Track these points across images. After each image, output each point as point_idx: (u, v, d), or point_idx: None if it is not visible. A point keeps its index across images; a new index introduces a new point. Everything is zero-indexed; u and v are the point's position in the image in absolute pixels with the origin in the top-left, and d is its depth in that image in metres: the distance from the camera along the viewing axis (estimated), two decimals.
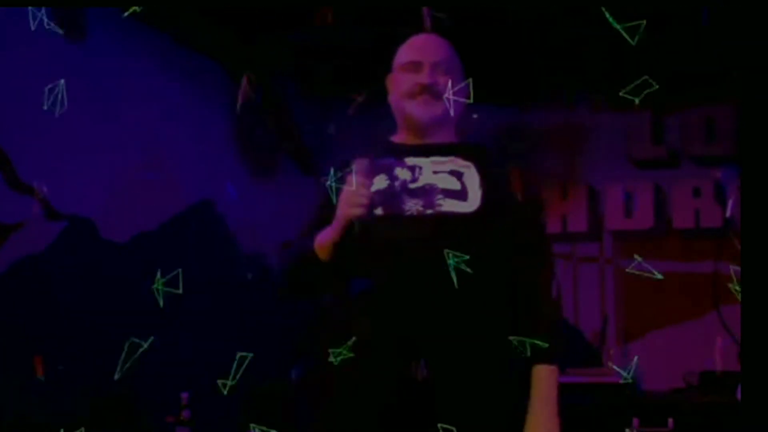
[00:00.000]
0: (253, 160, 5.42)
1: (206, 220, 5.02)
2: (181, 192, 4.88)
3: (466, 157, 2.35)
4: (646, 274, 2.75)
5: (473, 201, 2.28)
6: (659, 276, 2.77)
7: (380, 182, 2.33)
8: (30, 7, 3.36)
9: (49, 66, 4.09)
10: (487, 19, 4.60)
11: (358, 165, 2.24)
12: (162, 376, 4.32)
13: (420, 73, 2.40)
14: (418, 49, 2.46)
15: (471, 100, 2.45)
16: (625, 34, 2.13)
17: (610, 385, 4.75)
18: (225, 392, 2.35)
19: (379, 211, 2.29)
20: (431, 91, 2.37)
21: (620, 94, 2.43)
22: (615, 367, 4.73)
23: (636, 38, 2.20)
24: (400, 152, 2.39)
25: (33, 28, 2.86)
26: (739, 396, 4.14)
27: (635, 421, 4.48)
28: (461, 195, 2.28)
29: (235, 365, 2.40)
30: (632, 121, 5.56)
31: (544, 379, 2.25)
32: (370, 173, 2.27)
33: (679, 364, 4.95)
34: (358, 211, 2.23)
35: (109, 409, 4.20)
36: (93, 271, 4.27)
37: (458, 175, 2.31)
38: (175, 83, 4.82)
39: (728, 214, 5.15)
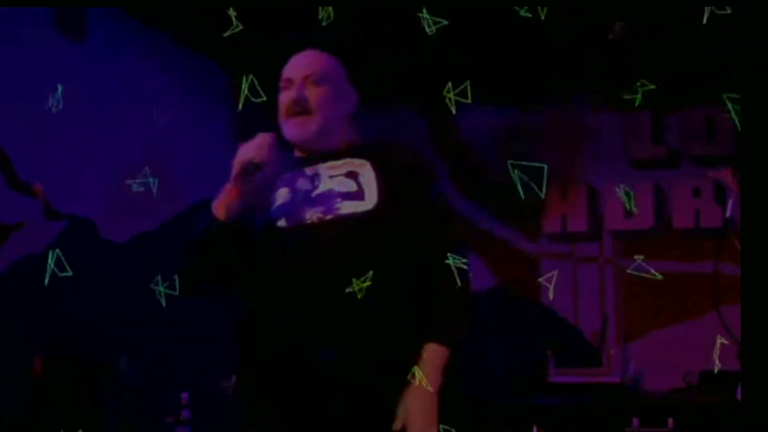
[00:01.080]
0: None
1: (206, 220, 5.01)
2: (181, 192, 4.88)
3: (361, 156, 2.38)
4: (647, 275, 2.74)
5: (370, 199, 2.30)
6: (659, 276, 2.76)
7: (283, 196, 2.38)
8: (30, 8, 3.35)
9: (49, 66, 4.10)
10: (487, 20, 4.60)
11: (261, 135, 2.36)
12: (162, 376, 4.32)
13: (291, 89, 2.44)
14: (292, 66, 2.49)
15: (352, 110, 2.48)
16: None
17: (610, 385, 4.76)
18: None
19: (282, 223, 2.33)
20: (302, 107, 2.41)
21: (624, 97, 2.42)
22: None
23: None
24: (300, 164, 2.44)
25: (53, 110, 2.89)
26: (739, 396, 4.15)
27: (635, 421, 4.49)
28: (358, 195, 2.31)
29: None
30: (632, 121, 5.57)
31: (430, 356, 2.22)
32: (270, 139, 2.34)
33: (679, 364, 4.96)
34: (250, 153, 2.31)
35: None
36: (93, 271, 4.27)
37: (354, 176, 2.34)
38: (175, 83, 4.83)
39: (728, 214, 5.15)
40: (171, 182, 4.77)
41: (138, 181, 2.66)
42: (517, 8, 2.60)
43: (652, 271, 2.77)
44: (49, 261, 2.44)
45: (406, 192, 2.32)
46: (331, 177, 2.36)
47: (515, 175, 2.26)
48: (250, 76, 2.53)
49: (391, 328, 2.24)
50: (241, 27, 2.62)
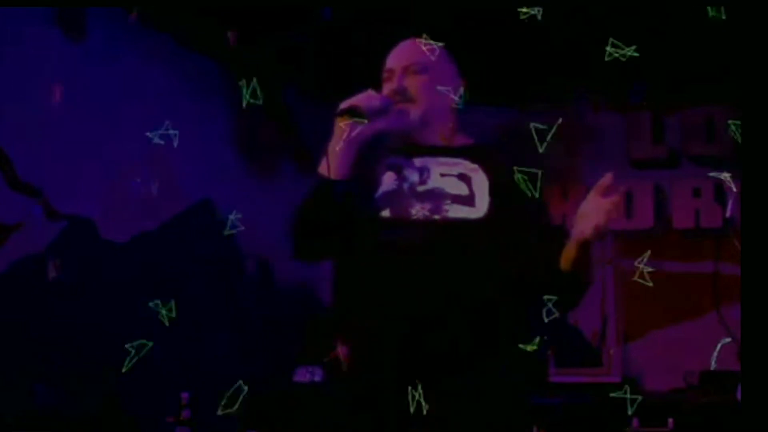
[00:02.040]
0: (253, 160, 5.42)
1: (206, 220, 5.02)
2: (181, 192, 4.88)
3: (474, 160, 2.31)
4: (648, 276, 2.73)
5: (481, 207, 2.24)
6: (649, 283, 2.75)
7: (389, 182, 2.31)
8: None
9: (49, 66, 4.10)
10: (487, 19, 4.60)
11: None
12: (162, 376, 4.32)
13: (392, 80, 2.37)
14: (393, 56, 2.42)
15: (460, 101, 2.40)
16: None
17: (610, 385, 4.75)
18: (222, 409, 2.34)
19: (386, 213, 2.26)
20: (403, 96, 2.33)
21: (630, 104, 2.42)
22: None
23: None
24: (408, 153, 2.34)
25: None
26: (739, 396, 4.15)
27: (635, 421, 4.49)
28: (469, 200, 2.25)
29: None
30: (632, 121, 5.57)
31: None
32: (376, 93, 2.27)
33: (679, 364, 4.96)
34: (354, 101, 2.22)
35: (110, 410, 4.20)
36: (93, 271, 4.27)
37: (466, 180, 2.27)
38: (175, 83, 4.82)
39: (728, 214, 5.15)
40: (171, 182, 4.77)
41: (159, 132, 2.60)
42: (519, 9, 2.60)
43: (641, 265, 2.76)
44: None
45: (515, 204, 2.25)
46: (442, 175, 2.28)
47: (519, 179, 2.24)
48: (253, 79, 2.51)
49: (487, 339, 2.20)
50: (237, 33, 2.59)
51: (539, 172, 2.30)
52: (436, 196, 2.25)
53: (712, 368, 4.77)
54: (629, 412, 3.97)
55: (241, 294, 5.17)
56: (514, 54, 5.10)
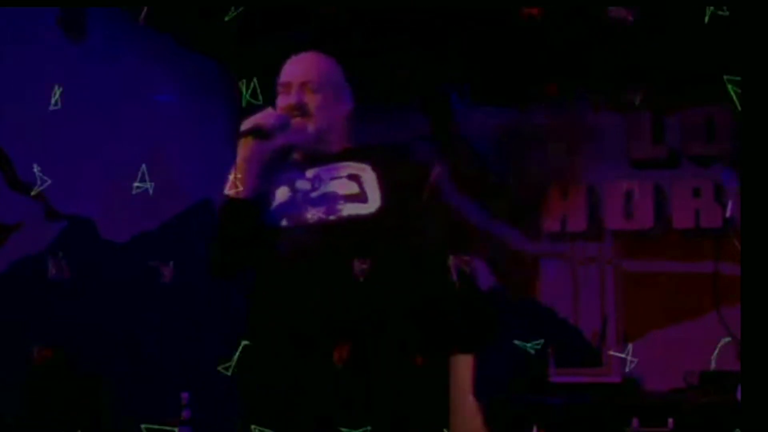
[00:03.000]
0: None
1: (206, 220, 5.01)
2: (181, 192, 4.88)
3: (363, 160, 2.40)
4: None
5: (373, 202, 2.31)
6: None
7: (283, 195, 2.41)
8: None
9: (49, 66, 4.09)
10: (487, 19, 4.60)
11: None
12: (162, 376, 4.32)
13: (289, 94, 2.46)
14: (289, 70, 2.52)
15: (349, 112, 2.49)
16: None
17: (610, 385, 4.75)
18: (229, 372, 2.38)
19: (284, 222, 2.35)
20: (301, 112, 2.43)
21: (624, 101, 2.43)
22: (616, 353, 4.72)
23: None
24: (300, 166, 2.45)
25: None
26: (739, 396, 4.14)
27: (635, 421, 4.49)
28: (361, 198, 2.32)
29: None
30: (632, 121, 5.57)
31: (460, 368, 2.33)
32: (274, 111, 2.39)
33: (679, 364, 4.96)
34: (259, 119, 2.35)
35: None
36: (93, 271, 4.27)
37: (356, 179, 2.36)
38: (175, 83, 4.82)
39: (728, 214, 5.15)
40: (171, 182, 4.77)
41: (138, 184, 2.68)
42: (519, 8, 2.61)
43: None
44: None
45: (409, 194, 2.32)
46: (332, 179, 2.38)
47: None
48: (253, 80, 2.57)
49: (393, 330, 2.24)
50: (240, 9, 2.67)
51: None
52: (329, 199, 2.33)
53: (711, 368, 4.77)
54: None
55: (241, 294, 5.17)
56: (514, 54, 5.10)
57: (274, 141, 2.36)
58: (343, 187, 2.36)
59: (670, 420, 4.47)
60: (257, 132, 2.36)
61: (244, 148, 2.37)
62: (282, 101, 2.48)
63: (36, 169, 3.40)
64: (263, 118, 2.37)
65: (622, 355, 4.51)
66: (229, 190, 2.39)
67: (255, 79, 2.64)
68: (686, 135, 5.52)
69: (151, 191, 2.67)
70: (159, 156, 4.69)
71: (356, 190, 2.35)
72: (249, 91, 2.62)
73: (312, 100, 2.44)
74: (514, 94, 5.58)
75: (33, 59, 4.00)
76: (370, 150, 2.45)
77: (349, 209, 2.32)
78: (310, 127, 2.43)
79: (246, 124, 2.38)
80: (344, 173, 2.38)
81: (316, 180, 2.40)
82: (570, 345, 5.40)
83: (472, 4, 4.44)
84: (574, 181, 5.59)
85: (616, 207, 5.54)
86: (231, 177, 2.38)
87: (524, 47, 4.99)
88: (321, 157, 2.44)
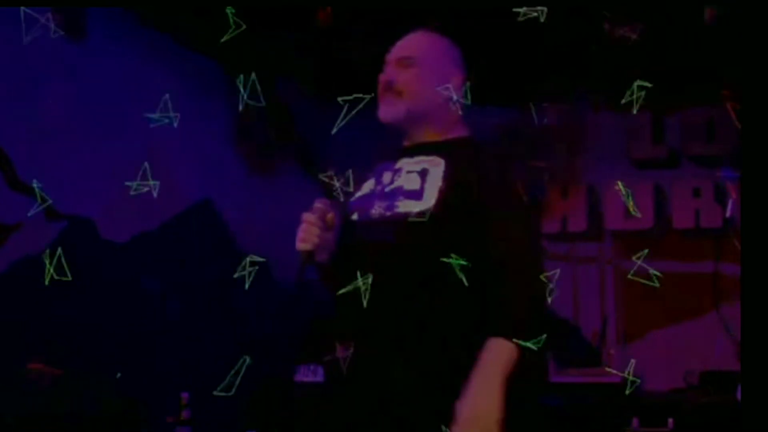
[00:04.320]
0: (253, 159, 5.42)
1: (206, 220, 5.02)
2: (181, 192, 4.88)
3: (440, 154, 2.28)
4: (648, 275, 2.74)
5: (428, 199, 2.22)
6: (656, 283, 2.75)
7: (367, 187, 2.34)
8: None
9: (49, 66, 4.10)
10: (487, 19, 4.60)
11: (316, 203, 2.28)
12: (162, 376, 4.32)
13: (385, 72, 2.36)
14: (394, 48, 2.39)
15: (461, 97, 2.36)
16: None
17: (610, 385, 4.75)
18: (231, 391, 2.36)
19: (354, 217, 2.31)
20: (390, 89, 2.31)
21: (622, 102, 2.41)
22: (612, 370, 4.73)
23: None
24: (396, 155, 2.35)
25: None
26: (739, 396, 4.15)
27: (635, 421, 4.49)
28: (417, 194, 2.24)
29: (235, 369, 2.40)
30: (632, 121, 5.57)
31: (492, 350, 2.06)
32: (325, 212, 2.27)
33: (679, 364, 4.96)
34: (303, 246, 2.25)
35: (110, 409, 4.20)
36: (93, 271, 4.27)
37: (423, 174, 2.26)
38: (175, 83, 4.82)
39: (728, 214, 5.15)
40: (171, 182, 4.77)
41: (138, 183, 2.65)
42: (517, 10, 2.60)
43: (652, 271, 2.76)
44: (47, 263, 2.42)
45: (466, 194, 2.21)
46: (408, 173, 2.29)
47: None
48: (251, 75, 2.51)
49: (448, 332, 2.18)
50: (242, 27, 2.58)
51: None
52: (394, 194, 2.27)
53: (717, 370, 4.77)
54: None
55: (241, 294, 5.17)
56: (514, 53, 5.10)
57: (329, 232, 2.27)
58: (409, 181, 2.26)
59: (670, 420, 4.47)
60: (311, 257, 2.27)
61: (309, 262, 2.28)
62: (380, 78, 2.34)
63: (36, 185, 3.40)
64: (306, 242, 2.25)
65: (623, 374, 4.51)
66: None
67: (253, 79, 2.59)
68: (686, 135, 5.52)
69: (155, 193, 2.63)
70: (159, 156, 4.69)
71: (417, 185, 2.24)
72: (247, 92, 2.56)
73: (402, 77, 2.31)
74: (514, 94, 5.59)
75: (33, 59, 4.00)
76: (453, 144, 2.31)
77: (403, 206, 2.23)
78: (401, 107, 2.30)
79: (301, 251, 2.26)
80: (419, 167, 2.27)
81: (398, 172, 2.30)
82: (570, 345, 5.40)
83: (472, 4, 4.44)
84: (574, 181, 5.60)
85: (616, 207, 5.54)
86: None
87: (524, 47, 4.99)
88: (423, 145, 2.31)
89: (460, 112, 2.38)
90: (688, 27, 4.56)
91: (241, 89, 2.54)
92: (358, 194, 2.33)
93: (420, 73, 2.32)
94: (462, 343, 2.15)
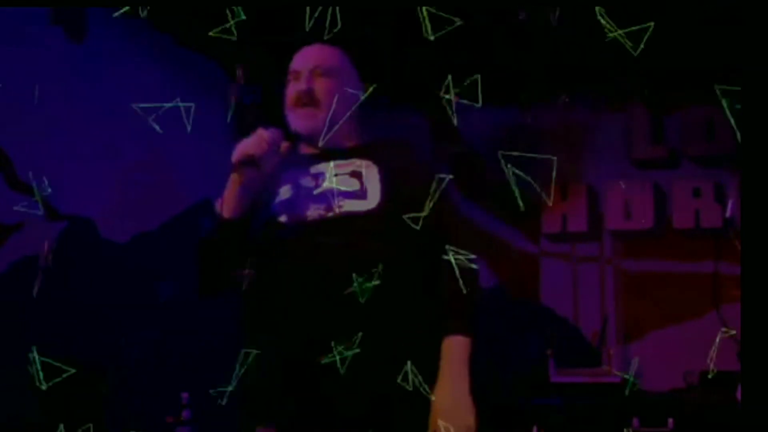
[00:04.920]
0: None
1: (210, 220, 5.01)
2: (181, 192, 4.88)
3: (367, 157, 2.37)
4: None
5: (372, 199, 2.30)
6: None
7: (285, 192, 2.38)
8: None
9: (49, 66, 4.10)
10: (487, 19, 4.60)
11: (272, 129, 2.34)
12: (162, 376, 4.32)
13: (299, 81, 2.42)
14: (299, 58, 2.48)
15: (361, 100, 2.46)
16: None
17: (610, 385, 4.75)
18: (223, 400, 2.37)
19: (283, 219, 2.33)
20: (309, 99, 2.39)
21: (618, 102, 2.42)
22: (615, 371, 4.73)
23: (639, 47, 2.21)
24: (306, 162, 2.42)
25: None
26: (739, 396, 4.15)
27: (635, 421, 4.49)
28: (360, 194, 2.31)
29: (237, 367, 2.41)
30: (632, 121, 5.57)
31: (454, 349, 2.22)
32: (282, 138, 2.34)
33: (679, 364, 4.96)
34: (246, 148, 2.30)
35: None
36: (93, 271, 4.28)
37: (358, 176, 2.34)
38: (175, 83, 4.83)
39: (728, 214, 5.15)
40: (171, 182, 4.78)
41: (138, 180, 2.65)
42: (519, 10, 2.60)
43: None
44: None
45: (409, 191, 2.29)
46: (335, 176, 2.34)
47: (513, 180, 2.26)
48: (243, 66, 2.53)
49: (396, 325, 2.22)
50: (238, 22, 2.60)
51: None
52: (330, 196, 2.31)
53: (710, 367, 4.76)
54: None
55: (240, 293, 5.17)
56: (513, 52, 5.10)
57: (264, 167, 2.32)
58: (344, 183, 2.33)
59: (670, 420, 4.47)
60: (249, 162, 2.31)
61: (237, 176, 2.33)
62: (291, 89, 2.44)
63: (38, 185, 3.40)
64: (253, 145, 2.32)
65: (622, 375, 4.51)
66: (221, 210, 2.36)
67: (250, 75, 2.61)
68: (686, 135, 5.52)
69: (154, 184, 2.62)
70: (159, 156, 4.69)
71: (357, 186, 2.32)
72: (234, 107, 2.60)
73: (321, 86, 2.40)
74: (515, 94, 5.59)
75: (33, 59, 4.00)
76: (376, 147, 2.41)
77: (347, 206, 2.30)
78: (319, 116, 2.39)
79: (236, 155, 2.33)
80: (348, 170, 2.36)
81: (320, 177, 2.36)
82: (570, 345, 5.40)
83: (472, 4, 4.44)
84: (574, 181, 5.60)
85: (616, 207, 5.54)
86: (222, 198, 2.36)
87: (524, 47, 4.99)
88: (330, 152, 2.40)
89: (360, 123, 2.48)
90: (688, 26, 4.56)
91: (234, 91, 2.57)
92: (278, 200, 2.37)
93: (337, 83, 2.42)
94: (413, 340, 2.23)
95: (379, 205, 2.30)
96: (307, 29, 2.40)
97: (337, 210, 2.30)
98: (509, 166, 2.34)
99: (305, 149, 2.47)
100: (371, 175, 2.34)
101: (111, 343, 4.32)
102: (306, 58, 2.46)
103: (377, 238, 2.26)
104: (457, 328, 2.22)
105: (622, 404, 4.58)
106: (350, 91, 2.42)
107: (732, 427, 4.04)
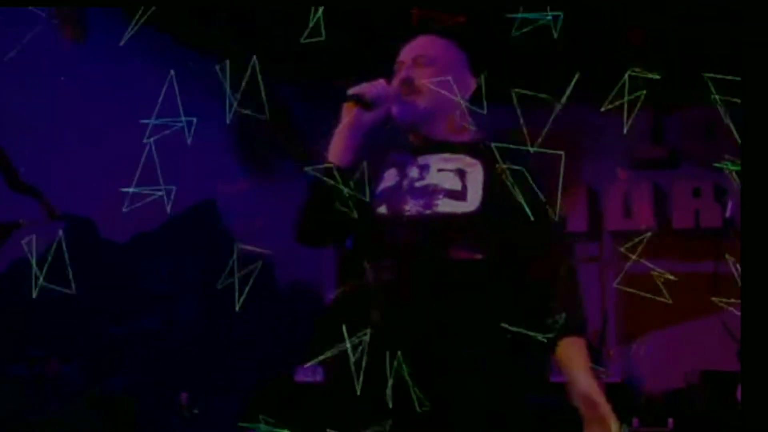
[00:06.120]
0: (253, 159, 5.42)
1: (206, 220, 5.02)
2: (181, 192, 4.88)
3: (475, 155, 2.28)
4: (655, 272, 2.73)
5: (473, 201, 2.22)
6: (670, 276, 2.74)
7: (390, 178, 2.31)
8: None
9: (50, 66, 4.10)
10: (487, 19, 4.60)
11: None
12: (162, 376, 4.32)
13: (401, 71, 2.35)
14: (406, 49, 2.40)
15: (467, 97, 2.39)
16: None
17: (610, 385, 4.75)
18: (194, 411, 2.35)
19: (383, 210, 2.28)
20: (409, 86, 2.31)
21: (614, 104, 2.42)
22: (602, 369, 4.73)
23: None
24: (414, 150, 2.34)
25: None
26: (739, 396, 4.15)
27: (635, 421, 4.49)
28: (461, 195, 2.24)
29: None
30: (632, 121, 5.56)
31: (575, 352, 2.28)
32: (384, 83, 2.30)
33: (679, 364, 4.96)
34: (364, 89, 2.26)
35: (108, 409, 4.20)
36: (93, 271, 4.27)
37: (462, 174, 2.26)
38: (175, 83, 4.82)
39: (728, 214, 5.15)
40: (171, 182, 4.77)
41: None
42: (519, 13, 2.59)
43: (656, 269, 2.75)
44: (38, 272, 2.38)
45: (510, 197, 2.22)
46: (439, 171, 2.28)
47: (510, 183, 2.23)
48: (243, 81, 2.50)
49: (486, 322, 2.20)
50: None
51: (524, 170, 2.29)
52: (430, 192, 2.25)
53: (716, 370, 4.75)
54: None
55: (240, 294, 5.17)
56: (514, 52, 5.10)
57: (376, 112, 2.27)
58: (447, 180, 2.25)
59: (670, 420, 4.47)
60: (358, 99, 2.26)
61: (346, 115, 2.29)
62: (395, 79, 2.35)
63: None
64: (369, 87, 2.27)
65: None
66: (330, 156, 2.30)
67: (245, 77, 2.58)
68: (686, 135, 5.53)
69: (166, 199, 2.58)
70: (159, 156, 4.68)
71: (459, 186, 2.25)
72: (236, 103, 2.55)
73: (422, 75, 2.31)
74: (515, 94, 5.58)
75: (33, 59, 4.00)
76: (487, 147, 2.29)
77: (445, 205, 2.22)
78: (420, 104, 2.31)
79: (352, 90, 2.28)
80: (453, 166, 2.28)
81: (425, 169, 2.29)
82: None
83: (472, 4, 4.44)
84: (574, 182, 5.60)
85: (616, 207, 5.55)
86: (332, 144, 2.31)
87: (524, 47, 4.99)
88: (436, 144, 2.32)
89: (468, 115, 2.39)
90: (688, 25, 4.56)
91: (230, 94, 2.53)
92: (382, 186, 2.31)
93: (439, 72, 2.33)
94: (494, 343, 2.20)
95: (478, 208, 2.22)
96: (307, 29, 2.38)
97: (434, 208, 2.26)
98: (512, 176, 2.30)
99: (414, 139, 2.38)
100: (475, 175, 2.26)
101: (111, 343, 4.32)
102: (411, 48, 2.39)
103: (475, 242, 2.19)
104: (571, 327, 2.25)
105: (622, 404, 4.58)
106: (454, 82, 2.33)
107: (732, 427, 4.04)
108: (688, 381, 4.85)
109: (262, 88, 2.56)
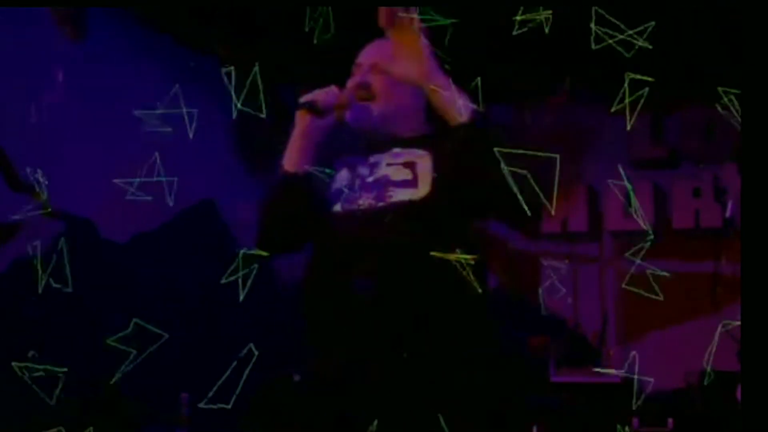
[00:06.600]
0: (253, 159, 5.42)
1: (206, 220, 5.02)
2: (181, 192, 4.88)
3: (425, 147, 2.31)
4: (653, 272, 2.73)
5: (423, 187, 2.25)
6: (666, 275, 2.75)
7: (343, 178, 2.37)
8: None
9: (50, 66, 4.10)
10: (487, 19, 4.60)
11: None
12: (162, 376, 4.31)
13: (356, 75, 2.40)
14: (364, 52, 2.44)
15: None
16: None
17: (610, 385, 4.76)
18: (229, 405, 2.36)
19: (337, 208, 2.31)
20: (365, 90, 2.35)
21: (614, 108, 2.42)
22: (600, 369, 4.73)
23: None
24: (365, 151, 2.38)
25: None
26: (739, 396, 4.15)
27: (635, 421, 4.49)
28: (412, 183, 2.27)
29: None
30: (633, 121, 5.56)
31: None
32: (336, 90, 2.35)
33: (679, 364, 4.96)
34: (316, 96, 2.32)
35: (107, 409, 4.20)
36: (93, 271, 4.27)
37: (411, 166, 2.29)
38: (175, 83, 4.82)
39: (728, 214, 5.15)
40: (171, 182, 4.77)
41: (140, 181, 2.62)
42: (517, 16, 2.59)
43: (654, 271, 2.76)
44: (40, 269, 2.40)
45: (459, 180, 2.23)
46: (389, 165, 2.32)
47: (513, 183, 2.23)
48: (254, 70, 2.51)
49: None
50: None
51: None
52: (381, 185, 2.29)
53: (707, 369, 4.76)
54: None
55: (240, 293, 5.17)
56: (513, 52, 5.10)
57: (327, 119, 2.34)
58: (397, 172, 2.29)
59: (670, 420, 4.47)
60: (311, 107, 2.33)
61: (299, 122, 2.38)
62: (351, 81, 2.39)
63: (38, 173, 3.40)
64: (321, 94, 2.34)
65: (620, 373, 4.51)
66: (285, 164, 2.41)
67: (255, 75, 2.59)
68: (686, 135, 5.53)
69: (169, 197, 2.60)
70: (159, 156, 4.68)
71: (409, 176, 2.27)
72: (241, 101, 2.57)
73: (378, 81, 2.35)
74: (514, 94, 5.59)
75: (33, 59, 4.00)
76: (435, 137, 2.32)
77: (398, 195, 2.25)
78: (375, 110, 2.35)
79: (304, 98, 2.35)
80: (401, 160, 2.31)
81: (375, 166, 2.33)
82: (570, 345, 5.40)
83: (472, 3, 4.44)
84: (574, 182, 5.60)
85: (616, 207, 5.55)
86: (287, 151, 2.41)
87: (524, 47, 4.98)
88: (387, 142, 2.35)
89: (424, 114, 2.40)
90: (688, 25, 4.56)
91: (234, 95, 2.55)
92: (335, 186, 2.36)
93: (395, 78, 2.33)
94: (464, 331, 2.21)
95: (429, 193, 2.24)
96: (306, 29, 2.39)
97: (387, 200, 2.27)
98: (510, 172, 2.30)
99: (362, 140, 2.42)
100: (424, 164, 2.28)
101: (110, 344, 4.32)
102: (368, 53, 2.42)
103: (428, 225, 2.21)
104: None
105: (622, 404, 4.59)
106: (410, 86, 2.31)
107: (732, 427, 4.04)
108: (688, 381, 4.85)
109: (261, 89, 2.57)
